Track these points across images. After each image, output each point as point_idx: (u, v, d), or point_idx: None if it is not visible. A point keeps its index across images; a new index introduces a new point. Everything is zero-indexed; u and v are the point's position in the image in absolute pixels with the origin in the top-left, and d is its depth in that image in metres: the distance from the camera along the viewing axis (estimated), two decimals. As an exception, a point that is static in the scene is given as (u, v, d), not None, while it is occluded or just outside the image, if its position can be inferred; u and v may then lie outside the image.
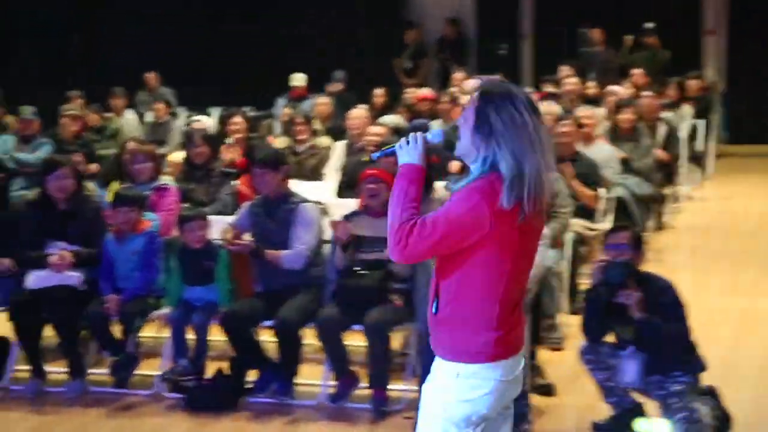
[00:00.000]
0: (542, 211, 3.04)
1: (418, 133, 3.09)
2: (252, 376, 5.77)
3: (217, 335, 6.01)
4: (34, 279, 5.82)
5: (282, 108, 11.51)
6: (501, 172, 2.94)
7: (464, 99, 9.70)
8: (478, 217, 2.92)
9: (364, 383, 5.59)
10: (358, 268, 5.61)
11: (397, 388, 5.61)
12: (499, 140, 2.94)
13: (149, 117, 12.05)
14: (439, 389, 3.05)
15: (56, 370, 6.04)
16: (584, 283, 7.67)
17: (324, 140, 8.86)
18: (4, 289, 5.97)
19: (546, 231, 5.66)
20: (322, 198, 6.72)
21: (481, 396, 3.00)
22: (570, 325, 6.49)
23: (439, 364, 3.07)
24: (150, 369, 6.04)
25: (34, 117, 9.41)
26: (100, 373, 6.04)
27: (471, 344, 3.00)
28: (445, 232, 2.93)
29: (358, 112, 8.70)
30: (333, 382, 5.63)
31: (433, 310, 3.06)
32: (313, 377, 5.87)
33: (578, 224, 7.14)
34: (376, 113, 9.93)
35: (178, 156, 7.90)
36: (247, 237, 5.97)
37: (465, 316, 3.00)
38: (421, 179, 3.04)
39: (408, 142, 3.08)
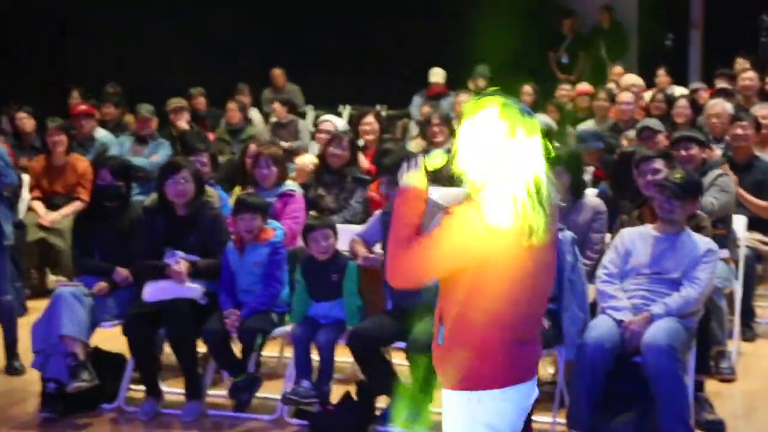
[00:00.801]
0: (552, 232, 3.18)
1: (419, 155, 3.27)
2: (382, 402, 5.80)
3: (344, 356, 6.07)
4: (152, 291, 6.00)
5: (419, 106, 11.56)
6: (499, 192, 3.08)
7: (623, 96, 9.55)
8: (473, 236, 3.08)
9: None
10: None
11: (542, 420, 5.55)
12: (497, 160, 3.10)
13: (275, 116, 12.30)
14: (452, 423, 3.21)
15: (173, 391, 6.21)
16: (761, 305, 7.46)
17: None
18: (121, 301, 6.17)
19: (714, 247, 5.55)
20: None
21: (501, 422, 3.16)
22: (743, 353, 6.30)
23: (449, 397, 3.22)
24: (272, 392, 6.13)
25: (151, 115, 9.72)
26: (218, 395, 6.18)
27: (486, 370, 3.14)
28: (440, 254, 3.10)
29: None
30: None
31: (439, 341, 3.21)
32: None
33: (753, 238, 6.92)
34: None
35: (305, 159, 8.02)
36: (378, 249, 6.01)
37: (475, 340, 3.14)
38: (420, 202, 3.20)
39: (408, 165, 3.24)
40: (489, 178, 3.11)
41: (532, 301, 3.21)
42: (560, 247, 5.49)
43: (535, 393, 3.27)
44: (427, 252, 3.10)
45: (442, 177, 3.30)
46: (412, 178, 3.24)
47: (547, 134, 8.09)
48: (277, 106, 11.52)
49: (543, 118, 8.82)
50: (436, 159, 3.25)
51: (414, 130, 10.77)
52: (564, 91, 11.52)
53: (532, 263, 3.15)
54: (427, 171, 3.25)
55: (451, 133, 8.73)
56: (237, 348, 6.01)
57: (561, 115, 9.96)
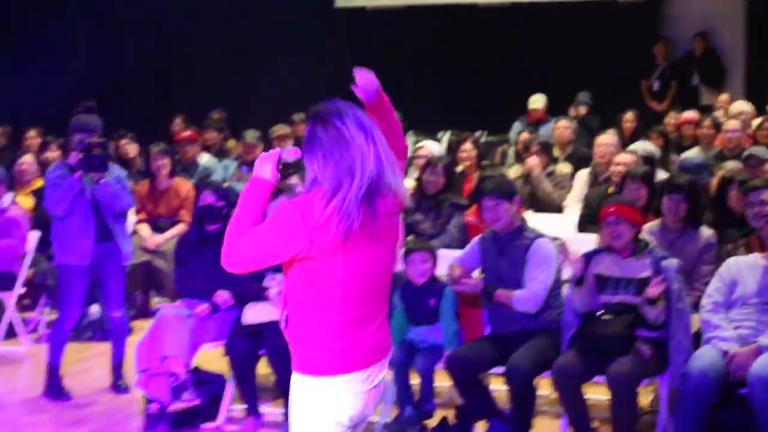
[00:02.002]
0: (387, 222, 3.34)
1: (276, 149, 3.47)
2: (480, 427, 5.79)
3: (441, 380, 6.08)
4: (252, 313, 6.10)
5: (518, 132, 11.54)
6: (324, 186, 3.26)
7: (729, 124, 9.39)
8: (292, 231, 3.25)
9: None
10: (602, 312, 5.53)
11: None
12: (326, 156, 3.27)
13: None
14: (296, 403, 3.38)
15: (273, 411, 6.28)
16: None
17: (564, 168, 8.82)
18: (222, 323, 6.28)
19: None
20: (561, 233, 6.68)
21: (336, 407, 3.32)
22: None
23: (294, 378, 3.40)
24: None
25: (258, 142, 9.86)
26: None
27: (319, 356, 3.32)
28: (262, 244, 3.27)
29: (607, 138, 8.52)
30: (570, 439, 5.57)
31: (284, 324, 3.40)
32: (548, 432, 5.83)
33: None
34: (626, 140, 9.78)
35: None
36: (476, 274, 6.01)
37: (308, 328, 3.33)
38: (265, 193, 3.39)
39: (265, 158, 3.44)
40: (320, 177, 3.27)
41: (365, 286, 3.34)
42: (666, 274, 5.43)
43: (380, 378, 3.43)
44: (255, 242, 3.28)
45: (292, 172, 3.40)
46: (264, 170, 3.41)
47: (650, 161, 8.05)
48: None
49: (645, 145, 8.73)
50: (291, 154, 3.43)
51: (513, 156, 10.74)
52: (670, 118, 11.38)
53: (360, 248, 3.29)
54: (280, 165, 3.43)
55: (549, 159, 8.71)
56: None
57: (665, 142, 9.83)
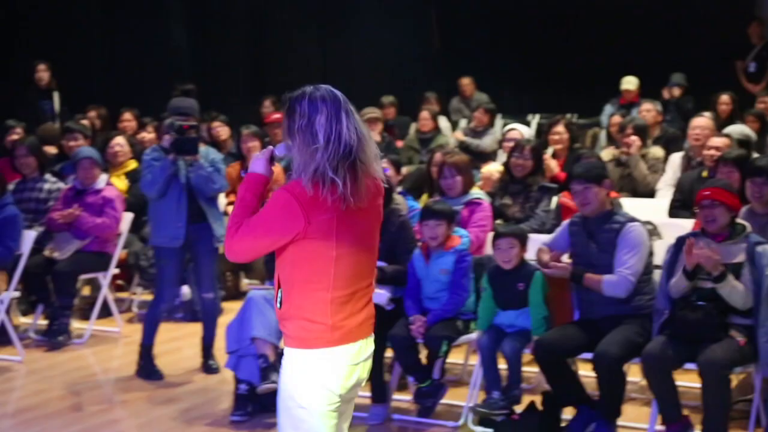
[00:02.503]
0: (373, 203, 3.56)
1: (269, 146, 3.68)
2: (568, 413, 5.75)
3: (529, 365, 6.05)
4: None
5: (609, 115, 11.39)
6: (310, 171, 3.43)
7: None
8: (290, 213, 3.44)
9: (697, 430, 5.41)
10: (694, 299, 5.45)
11: (737, 438, 5.39)
12: (299, 140, 3.47)
13: (462, 125, 12.35)
14: (288, 376, 3.56)
15: (359, 394, 6.29)
16: None
17: (657, 151, 8.68)
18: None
19: None
20: (652, 217, 6.59)
21: (328, 378, 3.51)
22: None
23: (287, 353, 3.58)
24: (457, 398, 6.18)
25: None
26: (403, 399, 6.26)
27: (312, 331, 3.51)
28: (263, 231, 3.48)
29: (702, 121, 8.30)
30: (660, 427, 5.50)
31: (278, 304, 3.58)
32: (638, 419, 5.78)
33: None
34: (722, 122, 9.58)
35: (491, 168, 8.04)
36: (565, 258, 5.96)
37: (303, 306, 3.52)
38: (261, 188, 3.59)
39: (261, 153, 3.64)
40: (303, 160, 3.45)
41: (355, 265, 3.54)
42: (759, 261, 5.33)
43: (369, 351, 3.62)
44: (255, 231, 3.49)
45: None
46: (257, 165, 3.62)
47: (745, 144, 7.86)
48: (479, 113, 11.57)
49: (740, 128, 8.55)
50: (281, 150, 3.59)
51: (604, 139, 10.60)
52: (765, 101, 11.12)
53: (350, 228, 3.49)
54: (273, 160, 3.62)
55: (644, 142, 8.57)
56: (422, 354, 6.07)
57: (761, 126, 9.61)
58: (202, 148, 6.91)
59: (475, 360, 6.10)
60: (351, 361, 3.57)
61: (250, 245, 3.53)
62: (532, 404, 5.76)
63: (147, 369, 6.94)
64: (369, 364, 3.67)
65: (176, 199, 6.76)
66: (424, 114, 11.26)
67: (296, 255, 3.50)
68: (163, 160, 6.70)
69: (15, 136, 9.57)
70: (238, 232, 3.51)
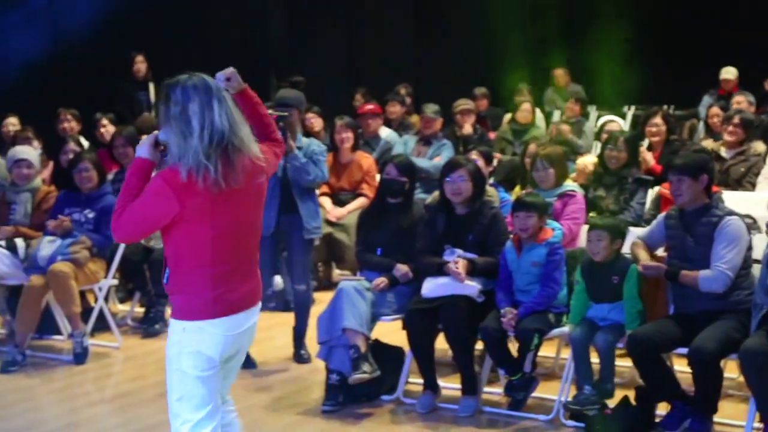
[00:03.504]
0: (252, 183, 3.85)
1: (154, 132, 3.89)
2: (662, 408, 5.67)
3: (623, 360, 5.98)
4: (431, 287, 6.12)
5: (708, 106, 11.19)
6: (185, 155, 3.71)
7: None
8: (163, 199, 3.73)
9: (796, 429, 5.30)
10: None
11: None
12: (174, 127, 3.74)
13: (556, 116, 12.25)
14: (171, 344, 3.90)
15: (449, 386, 6.32)
16: None
17: (758, 146, 8.49)
18: (401, 296, 6.34)
19: None
20: (752, 211, 6.46)
21: (207, 347, 3.84)
22: None
23: (171, 323, 3.91)
24: (548, 392, 6.14)
25: (436, 116, 9.87)
26: (494, 392, 6.24)
27: (193, 305, 3.84)
28: (141, 216, 3.78)
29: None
30: (758, 424, 5.39)
31: (164, 280, 3.90)
32: (735, 416, 5.69)
33: None
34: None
35: (585, 160, 7.96)
36: (661, 252, 5.88)
37: (185, 281, 3.84)
38: (146, 172, 3.85)
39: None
40: (178, 146, 3.72)
41: (234, 243, 3.86)
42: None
43: (250, 323, 3.96)
44: (135, 215, 3.78)
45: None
46: (143, 150, 3.88)
47: None
48: (571, 104, 11.45)
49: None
50: (163, 134, 3.81)
51: (702, 130, 10.41)
52: None
53: (227, 209, 3.79)
54: (158, 144, 3.85)
55: (747, 133, 8.38)
56: (513, 347, 6.04)
57: None
58: (305, 140, 6.96)
59: (567, 353, 6.05)
60: (231, 331, 3.89)
61: (132, 229, 3.84)
62: (625, 399, 5.69)
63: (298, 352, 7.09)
64: (253, 331, 4.04)
65: (270, 188, 6.82)
66: (526, 106, 11.19)
67: (177, 236, 3.81)
68: None
69: (103, 129, 9.84)
70: (122, 217, 3.79)
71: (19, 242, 7.42)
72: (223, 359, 3.93)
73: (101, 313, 7.54)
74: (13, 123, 10.57)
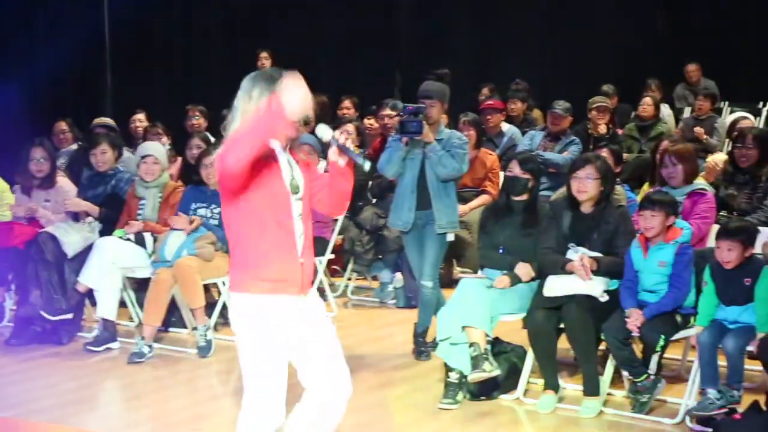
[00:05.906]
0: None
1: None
2: (793, 416, 5.51)
3: (752, 363, 5.84)
4: (554, 285, 6.07)
5: None
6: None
7: None
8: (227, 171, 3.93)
9: None
10: None
11: None
12: (246, 115, 4.16)
13: (686, 113, 12.00)
14: (236, 318, 4.11)
15: (571, 386, 6.26)
16: None
17: None
18: (523, 294, 6.28)
19: None
20: None
21: (270, 324, 4.05)
22: None
23: (232, 297, 4.15)
24: (675, 395, 6.03)
25: (566, 113, 9.73)
26: (618, 393, 6.16)
27: (247, 279, 4.06)
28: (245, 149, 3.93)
29: None
30: None
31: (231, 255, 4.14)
32: None
33: None
34: None
35: (716, 158, 7.80)
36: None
37: (242, 256, 4.08)
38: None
39: None
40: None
41: (279, 224, 4.05)
42: None
43: (302, 306, 4.17)
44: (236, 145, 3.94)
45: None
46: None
47: None
48: (700, 99, 11.22)
49: None
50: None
51: None
52: None
53: (271, 191, 4.04)
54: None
55: None
56: (638, 348, 5.95)
57: None
58: (446, 131, 6.98)
59: (694, 356, 5.93)
60: (289, 307, 4.10)
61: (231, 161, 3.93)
62: (755, 404, 5.54)
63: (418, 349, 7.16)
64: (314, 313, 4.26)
65: (410, 183, 6.89)
66: (647, 101, 11.02)
67: (238, 214, 4.05)
68: (395, 141, 6.86)
69: (194, 121, 10.30)
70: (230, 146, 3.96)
71: (147, 236, 7.65)
72: (287, 340, 4.17)
73: (224, 307, 7.69)
74: (140, 119, 10.89)
